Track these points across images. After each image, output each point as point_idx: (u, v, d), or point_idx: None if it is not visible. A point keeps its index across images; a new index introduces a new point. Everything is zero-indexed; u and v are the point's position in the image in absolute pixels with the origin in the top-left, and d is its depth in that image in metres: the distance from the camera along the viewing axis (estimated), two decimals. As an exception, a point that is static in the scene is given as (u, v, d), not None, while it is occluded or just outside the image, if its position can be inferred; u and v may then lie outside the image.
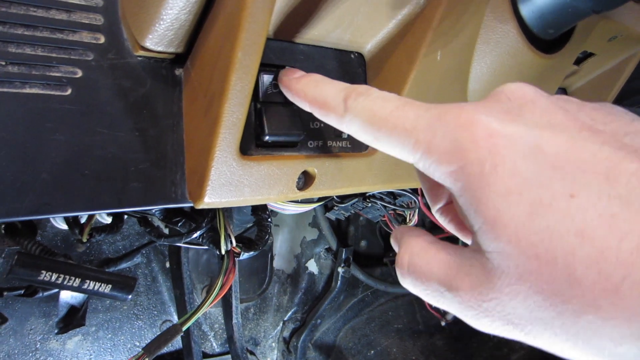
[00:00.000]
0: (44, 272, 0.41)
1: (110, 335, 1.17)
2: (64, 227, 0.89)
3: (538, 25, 0.49)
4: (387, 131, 0.31)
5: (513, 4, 0.48)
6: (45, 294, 0.54)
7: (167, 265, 1.19)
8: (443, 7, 0.45)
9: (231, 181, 0.42)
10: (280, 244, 1.35)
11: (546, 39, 0.52)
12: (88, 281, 0.44)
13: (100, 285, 0.46)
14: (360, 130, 0.33)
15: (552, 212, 0.22)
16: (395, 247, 0.34)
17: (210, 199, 0.42)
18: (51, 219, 0.87)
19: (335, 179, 0.50)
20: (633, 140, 0.24)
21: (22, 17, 0.36)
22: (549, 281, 0.22)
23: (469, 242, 0.33)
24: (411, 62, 0.48)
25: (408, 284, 0.31)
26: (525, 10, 0.48)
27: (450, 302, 0.28)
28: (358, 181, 0.52)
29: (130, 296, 0.48)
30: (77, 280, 0.44)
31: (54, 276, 0.42)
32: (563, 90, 0.81)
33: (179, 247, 0.92)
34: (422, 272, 0.29)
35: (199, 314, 0.55)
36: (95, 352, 1.15)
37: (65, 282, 0.44)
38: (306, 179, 0.49)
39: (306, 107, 0.39)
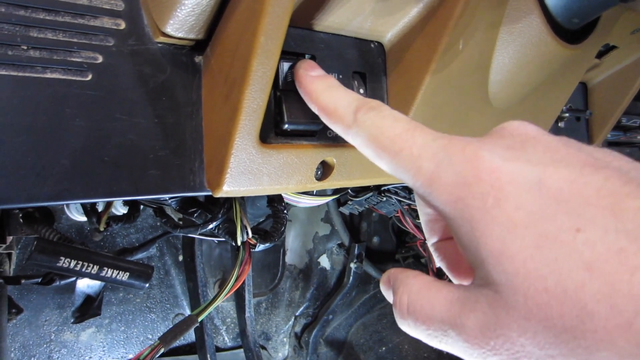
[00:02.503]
0: (62, 258, 0.41)
1: (123, 328, 1.18)
2: (79, 218, 0.90)
3: (563, 14, 0.48)
4: (393, 152, 0.31)
5: (537, -7, 0.47)
6: (62, 282, 0.54)
7: (180, 258, 1.19)
8: (467, -6, 0.44)
9: (250, 169, 0.42)
10: (293, 239, 1.34)
11: (570, 29, 0.51)
12: (106, 269, 0.44)
13: (118, 273, 0.46)
14: (365, 145, 0.33)
15: (560, 246, 0.22)
16: (388, 294, 0.33)
17: (229, 188, 0.42)
18: (66, 210, 0.87)
19: (354, 169, 0.50)
20: (637, 175, 0.23)
21: (43, 1, 0.36)
22: (560, 316, 0.21)
23: (463, 283, 0.32)
24: (432, 51, 0.48)
25: (408, 326, 0.29)
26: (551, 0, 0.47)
27: (455, 341, 0.26)
28: (377, 172, 0.52)
29: (147, 284, 0.48)
30: (96, 268, 0.44)
31: (73, 263, 0.42)
32: (583, 85, 0.80)
33: (193, 239, 0.92)
34: (424, 312, 0.28)
35: (215, 305, 0.54)
36: (109, 344, 1.16)
37: (83, 269, 0.43)
38: (325, 169, 0.48)
39: (315, 109, 0.39)
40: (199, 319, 0.53)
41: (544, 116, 0.65)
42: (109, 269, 0.45)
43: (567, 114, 0.72)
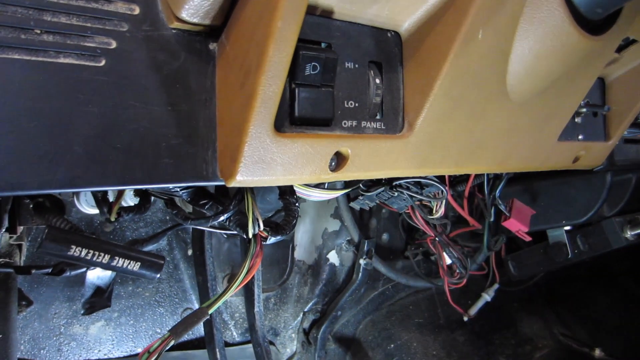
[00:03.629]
0: (73, 247, 0.40)
1: (132, 322, 1.18)
2: (90, 211, 0.90)
3: (586, 3, 0.47)
4: None
5: (560, -19, 0.46)
6: (72, 273, 0.53)
7: (189, 252, 1.19)
8: (487, -19, 0.43)
9: (264, 158, 0.41)
10: (302, 234, 1.34)
11: (593, 19, 0.50)
12: (117, 258, 0.44)
13: (129, 263, 0.45)
14: None
15: None
16: None
17: (243, 177, 0.41)
18: (76, 203, 0.87)
19: (369, 160, 0.49)
20: None
21: (57, -16, 0.36)
22: None
23: None
24: (450, 41, 0.47)
25: None
26: (573, -12, 0.46)
27: None
28: (391, 164, 0.51)
29: (158, 275, 0.47)
30: (107, 257, 0.43)
31: (84, 252, 0.41)
32: (601, 80, 0.78)
33: (202, 233, 0.92)
34: None
35: (226, 298, 0.54)
36: (118, 337, 1.16)
37: (94, 259, 0.43)
38: (339, 160, 0.47)
39: None
40: (209, 312, 0.52)
41: (562, 111, 0.63)
42: (120, 259, 0.45)
43: (584, 109, 0.70)
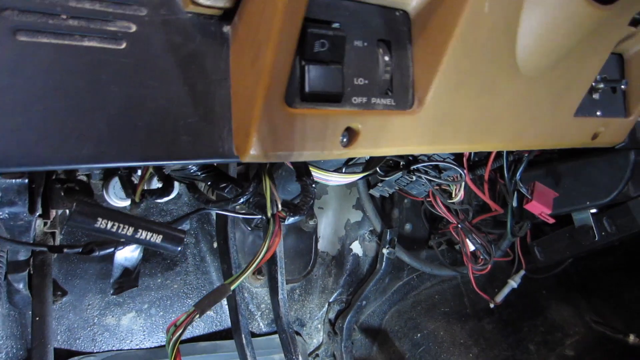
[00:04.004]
0: (100, 219, 0.43)
1: (162, 313, 1.21)
2: (119, 203, 0.93)
3: (592, -29, 0.47)
4: None
5: (565, -49, 0.47)
6: (101, 252, 0.56)
7: (215, 245, 1.22)
8: (490, -47, 0.44)
9: (276, 133, 0.43)
10: (325, 226, 1.35)
11: (601, -12, 0.50)
12: (141, 230, 0.46)
13: (152, 235, 0.48)
14: None
15: None
16: None
17: (256, 151, 0.43)
18: (105, 196, 0.91)
19: (380, 136, 0.50)
20: None
21: (80, -28, 0.38)
22: None
23: None
24: (457, 15, 0.48)
25: None
26: (578, -43, 0.46)
27: None
28: (402, 140, 0.52)
29: (179, 248, 0.50)
30: (131, 229, 0.46)
31: (110, 224, 0.44)
32: (619, 57, 0.77)
33: (226, 222, 0.94)
34: None
35: (247, 274, 0.56)
36: (148, 328, 1.20)
37: (119, 231, 0.45)
38: (350, 136, 0.49)
39: None
40: (232, 287, 0.54)
41: (576, 85, 0.63)
42: (143, 231, 0.47)
43: (602, 85, 0.70)
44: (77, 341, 1.13)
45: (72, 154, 0.39)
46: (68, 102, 0.39)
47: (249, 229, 1.24)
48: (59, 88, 0.38)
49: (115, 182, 0.91)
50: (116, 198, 0.92)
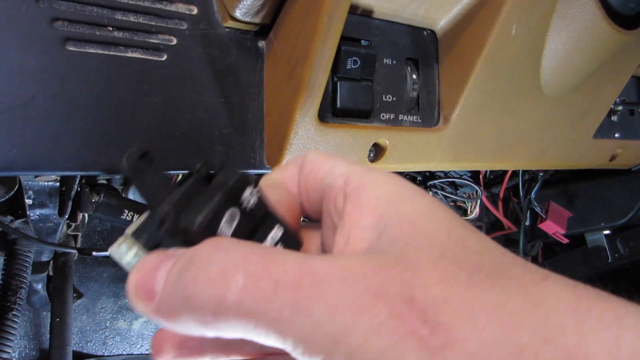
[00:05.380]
0: (126, 211, 0.44)
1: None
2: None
3: (618, -2, 0.48)
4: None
5: (592, -22, 0.48)
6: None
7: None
8: (520, -21, 0.45)
9: (308, 146, 0.44)
10: (337, 238, 1.36)
11: (625, 14, 0.51)
12: (165, 224, 0.47)
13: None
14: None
15: None
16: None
17: (288, 164, 0.44)
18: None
19: (405, 152, 0.51)
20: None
21: (128, -13, 0.40)
22: None
23: None
24: (484, 37, 0.49)
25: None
26: (605, -16, 0.48)
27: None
28: (427, 157, 0.53)
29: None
30: (157, 222, 0.47)
31: (135, 217, 0.45)
32: (637, 79, 0.78)
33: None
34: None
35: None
36: (159, 333, 1.21)
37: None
38: (377, 151, 0.50)
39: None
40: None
41: (596, 107, 0.64)
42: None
43: (620, 107, 0.71)
44: (89, 344, 1.14)
45: (112, 160, 0.41)
46: (111, 111, 0.40)
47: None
48: (103, 97, 0.40)
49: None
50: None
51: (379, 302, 0.17)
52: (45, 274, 0.79)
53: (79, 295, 1.05)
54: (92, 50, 0.39)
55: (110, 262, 1.13)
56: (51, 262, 0.77)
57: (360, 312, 0.17)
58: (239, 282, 0.18)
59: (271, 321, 0.18)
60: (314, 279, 0.18)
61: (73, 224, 0.70)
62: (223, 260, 0.19)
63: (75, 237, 0.75)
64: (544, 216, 0.93)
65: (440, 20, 0.52)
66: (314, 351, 0.17)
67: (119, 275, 1.16)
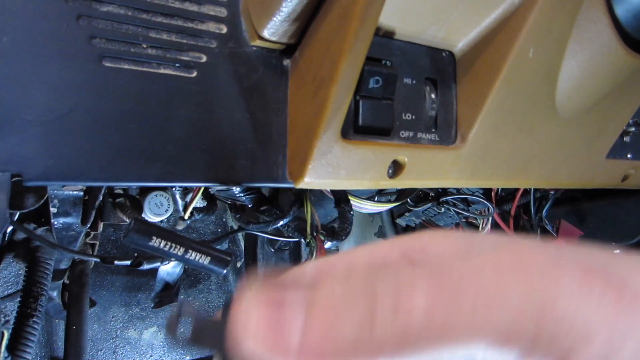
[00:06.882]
0: (154, 238, 0.45)
1: (182, 329, 1.23)
2: (153, 219, 0.96)
3: (633, 24, 0.49)
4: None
5: (607, 4, 0.49)
6: (147, 267, 0.59)
7: (239, 265, 1.24)
8: (539, 4, 0.47)
9: (331, 162, 0.45)
10: (346, 252, 1.36)
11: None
12: (190, 251, 0.49)
13: (201, 257, 0.50)
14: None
15: None
16: None
17: (310, 179, 0.45)
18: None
19: (423, 169, 0.52)
20: None
21: (162, 7, 0.42)
22: None
23: None
24: (503, 59, 0.50)
25: None
26: (620, 10, 0.49)
27: None
28: (444, 174, 0.54)
29: (225, 270, 0.52)
30: (182, 250, 0.48)
31: (162, 243, 0.46)
32: (649, 102, 0.79)
33: (255, 243, 0.97)
34: None
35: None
36: (168, 344, 1.21)
37: (171, 250, 0.48)
38: (396, 168, 0.51)
39: None
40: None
41: (609, 128, 0.65)
42: (193, 252, 0.49)
43: (633, 129, 0.72)
44: (99, 352, 1.14)
45: (142, 172, 0.42)
46: (142, 124, 0.42)
47: (272, 250, 1.25)
48: (136, 111, 0.41)
49: (151, 198, 0.94)
50: (151, 214, 0.95)
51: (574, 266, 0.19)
52: (61, 281, 0.80)
53: (92, 304, 1.06)
54: (126, 67, 0.41)
55: (122, 271, 1.14)
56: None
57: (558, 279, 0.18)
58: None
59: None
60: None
61: (92, 233, 0.72)
62: None
63: (93, 245, 0.77)
64: (554, 234, 0.94)
65: (459, 42, 0.53)
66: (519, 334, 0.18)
67: (131, 284, 1.17)
